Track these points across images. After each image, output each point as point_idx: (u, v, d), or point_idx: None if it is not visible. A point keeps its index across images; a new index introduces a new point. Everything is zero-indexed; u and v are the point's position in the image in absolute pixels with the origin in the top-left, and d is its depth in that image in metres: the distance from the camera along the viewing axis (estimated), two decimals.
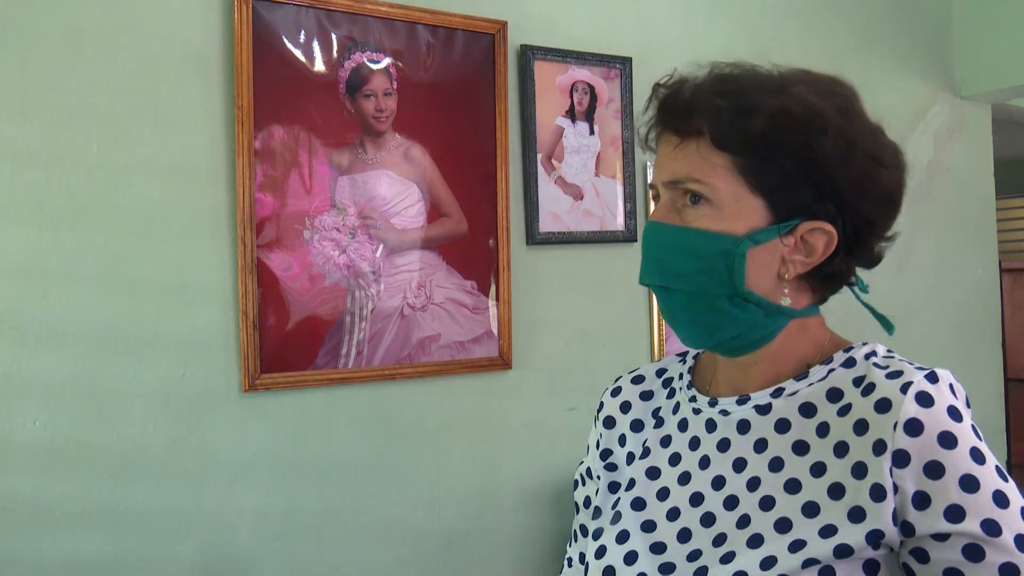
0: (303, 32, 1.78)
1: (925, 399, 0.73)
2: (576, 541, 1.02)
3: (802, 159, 0.77)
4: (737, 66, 0.82)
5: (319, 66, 1.80)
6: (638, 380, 0.99)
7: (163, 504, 1.64)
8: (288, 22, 1.77)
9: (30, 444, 1.53)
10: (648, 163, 2.29)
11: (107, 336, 1.59)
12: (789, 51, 2.55)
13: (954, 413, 0.73)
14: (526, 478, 2.09)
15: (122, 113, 1.61)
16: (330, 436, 1.83)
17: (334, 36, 1.82)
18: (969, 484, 0.71)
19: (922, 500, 0.71)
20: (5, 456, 1.51)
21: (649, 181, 0.88)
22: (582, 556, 1.01)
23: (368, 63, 1.86)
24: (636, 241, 2.27)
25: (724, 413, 0.86)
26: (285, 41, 1.76)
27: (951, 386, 0.76)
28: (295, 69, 1.77)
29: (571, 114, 2.16)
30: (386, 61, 1.88)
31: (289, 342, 1.76)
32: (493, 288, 2.02)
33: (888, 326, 0.87)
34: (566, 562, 1.04)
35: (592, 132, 2.19)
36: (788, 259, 0.80)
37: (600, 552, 0.87)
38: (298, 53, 1.78)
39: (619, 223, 2.24)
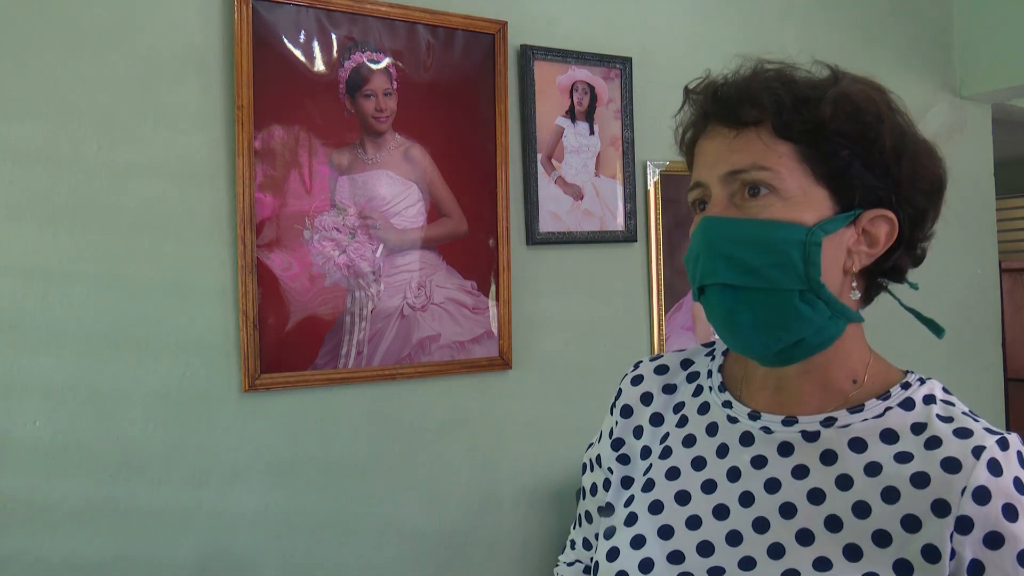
0: (303, 32, 1.78)
1: (995, 467, 0.73)
2: (580, 526, 0.99)
3: (863, 147, 0.77)
4: (778, 63, 0.82)
5: (319, 66, 1.80)
6: (661, 370, 0.95)
7: (163, 504, 1.64)
8: (288, 22, 1.77)
9: (30, 444, 1.53)
10: (648, 162, 2.29)
11: (107, 336, 1.60)
12: (789, 51, 2.50)
13: (1019, 485, 0.73)
14: (526, 478, 2.09)
15: (122, 113, 1.62)
16: (330, 436, 1.83)
17: (334, 36, 1.82)
18: None
19: (977, 569, 0.71)
20: (5, 456, 1.51)
21: (692, 183, 0.83)
22: (585, 541, 0.99)
23: (368, 63, 1.86)
24: (636, 241, 2.27)
25: (766, 431, 0.82)
26: (285, 41, 1.76)
27: (1019, 453, 0.75)
28: (295, 69, 1.78)
29: (571, 114, 2.16)
30: (386, 61, 1.88)
31: (289, 342, 1.76)
32: (493, 288, 2.02)
33: (938, 330, 0.86)
34: (568, 544, 1.02)
35: (592, 132, 2.19)
36: (854, 250, 0.79)
37: (612, 554, 0.84)
38: (298, 53, 1.78)
39: (619, 223, 2.24)
